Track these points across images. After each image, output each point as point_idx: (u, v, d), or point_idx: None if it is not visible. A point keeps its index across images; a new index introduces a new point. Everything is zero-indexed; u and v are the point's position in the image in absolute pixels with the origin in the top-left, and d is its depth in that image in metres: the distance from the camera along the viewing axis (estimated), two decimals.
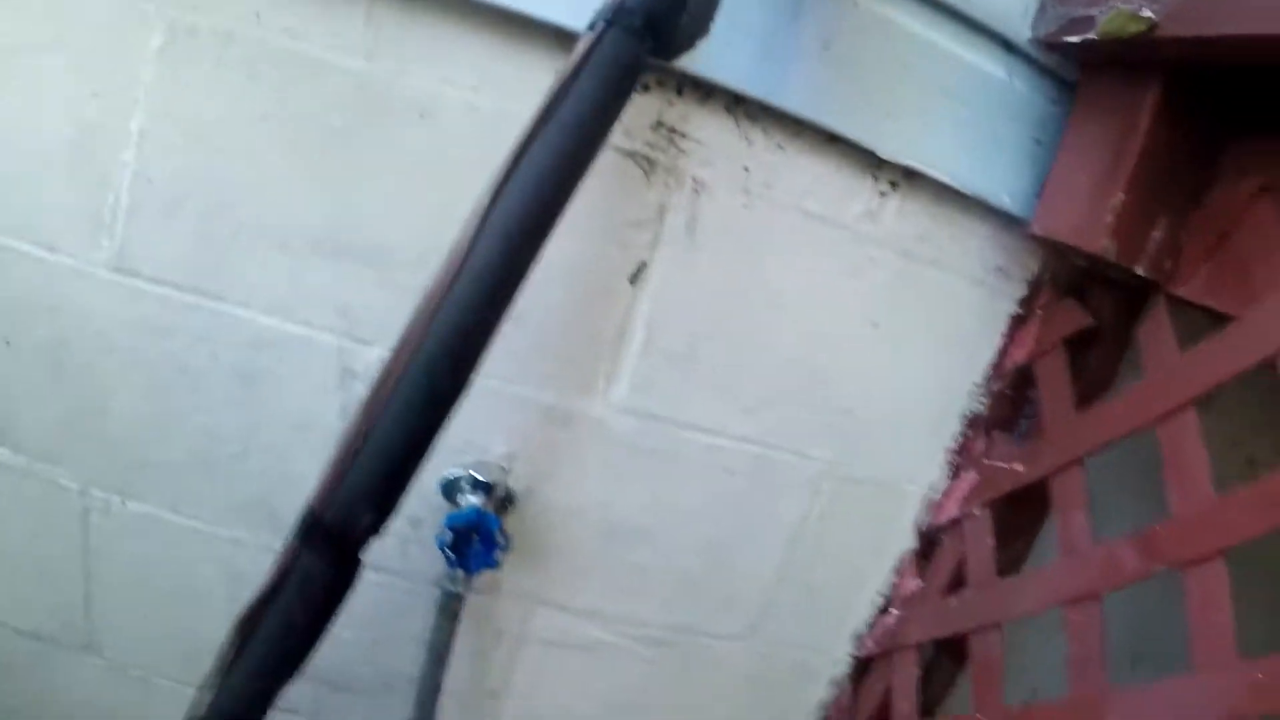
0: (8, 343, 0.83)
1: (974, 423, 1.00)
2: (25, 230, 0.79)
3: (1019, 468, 0.91)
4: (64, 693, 1.00)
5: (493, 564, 0.84)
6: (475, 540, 0.82)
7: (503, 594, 0.95)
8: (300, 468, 0.88)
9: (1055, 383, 0.89)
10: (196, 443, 0.87)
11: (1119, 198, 0.76)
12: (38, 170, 0.78)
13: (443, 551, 0.82)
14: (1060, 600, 0.80)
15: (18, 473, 0.89)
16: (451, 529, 0.81)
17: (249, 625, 0.53)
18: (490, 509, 0.84)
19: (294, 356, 0.84)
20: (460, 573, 0.85)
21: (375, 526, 0.55)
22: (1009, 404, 0.99)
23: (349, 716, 1.03)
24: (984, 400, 0.99)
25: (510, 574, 0.94)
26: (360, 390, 0.84)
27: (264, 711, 0.55)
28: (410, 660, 0.93)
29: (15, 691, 1.01)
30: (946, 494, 1.01)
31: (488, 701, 1.02)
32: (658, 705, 1.06)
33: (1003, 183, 0.85)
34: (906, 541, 1.03)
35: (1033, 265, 0.92)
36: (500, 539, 0.83)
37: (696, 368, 0.88)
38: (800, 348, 0.90)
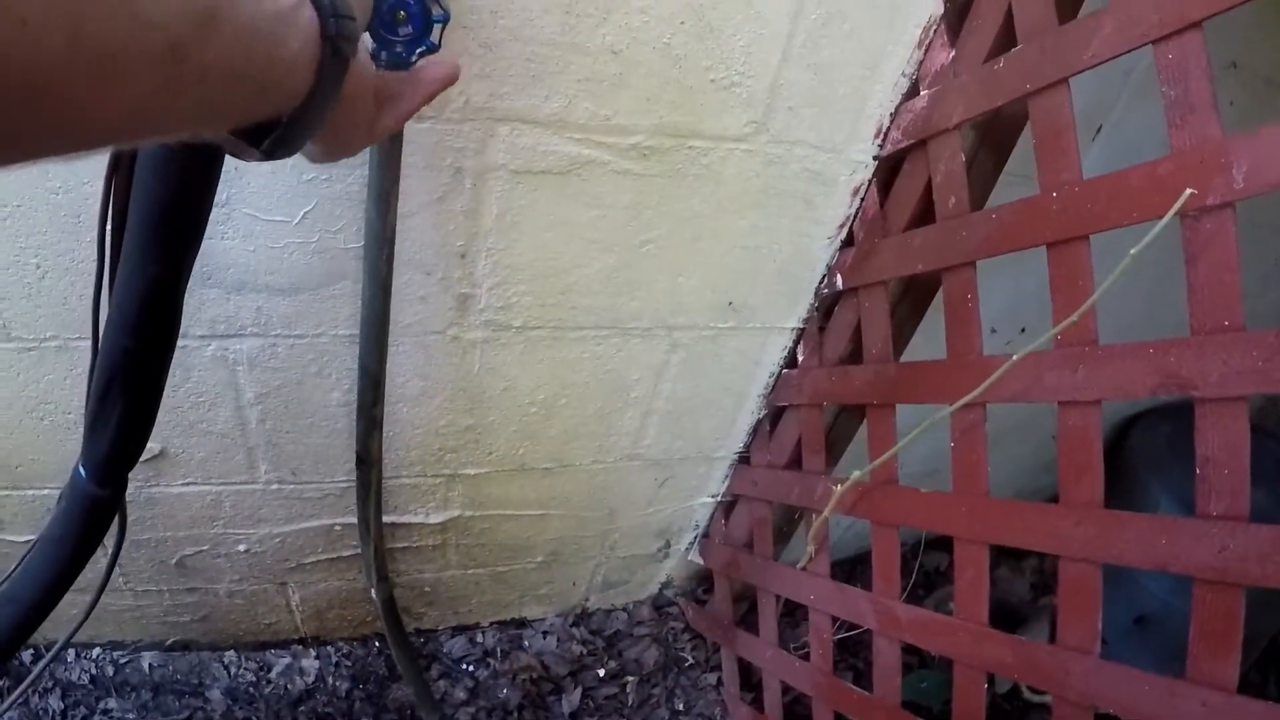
0: None
1: None
2: None
3: None
4: None
5: (430, 43, 0.63)
6: (402, 20, 0.61)
7: (448, 114, 0.75)
8: None
9: None
10: None
11: None
12: None
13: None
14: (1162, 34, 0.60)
15: None
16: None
17: None
18: None
19: None
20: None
21: None
22: None
23: (301, 322, 0.89)
24: None
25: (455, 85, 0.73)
26: None
27: None
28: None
29: None
30: None
31: (457, 265, 0.88)
32: (651, 235, 0.94)
33: None
34: (932, 4, 0.84)
35: None
36: (436, 6, 0.61)
37: None
38: None
